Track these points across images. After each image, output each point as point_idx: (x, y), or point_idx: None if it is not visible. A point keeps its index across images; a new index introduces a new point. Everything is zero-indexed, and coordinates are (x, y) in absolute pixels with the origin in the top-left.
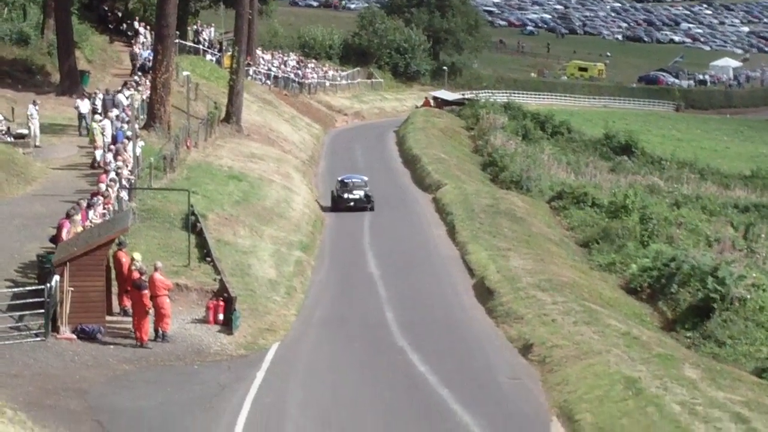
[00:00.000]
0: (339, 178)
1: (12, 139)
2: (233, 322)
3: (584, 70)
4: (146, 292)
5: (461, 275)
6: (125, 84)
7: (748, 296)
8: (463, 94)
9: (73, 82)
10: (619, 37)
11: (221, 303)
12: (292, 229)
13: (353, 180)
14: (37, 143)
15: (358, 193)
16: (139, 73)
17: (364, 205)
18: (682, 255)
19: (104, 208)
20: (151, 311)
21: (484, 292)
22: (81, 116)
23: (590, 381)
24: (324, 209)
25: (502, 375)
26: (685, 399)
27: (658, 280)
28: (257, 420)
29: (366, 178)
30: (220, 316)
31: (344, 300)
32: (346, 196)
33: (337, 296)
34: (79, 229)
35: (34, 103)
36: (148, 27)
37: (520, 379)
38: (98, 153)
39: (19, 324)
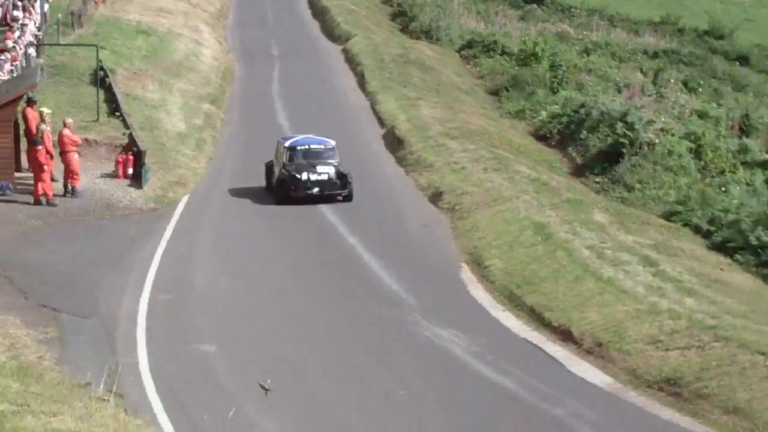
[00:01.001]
0: (286, 144)
1: None
2: (143, 176)
3: None
4: (40, 148)
5: (371, 125)
6: None
7: (657, 141)
8: None
9: None
10: None
11: (131, 157)
12: (202, 83)
13: (312, 146)
14: None
15: (325, 172)
16: None
17: (337, 191)
18: (591, 101)
19: (12, 65)
20: (48, 167)
21: (393, 142)
22: None
23: (500, 227)
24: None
25: (412, 223)
26: (593, 243)
27: (568, 126)
28: (167, 272)
29: (333, 143)
30: (130, 170)
31: (254, 152)
32: (304, 177)
33: (247, 148)
34: None
35: None
36: None
37: (430, 226)
38: None
39: None
